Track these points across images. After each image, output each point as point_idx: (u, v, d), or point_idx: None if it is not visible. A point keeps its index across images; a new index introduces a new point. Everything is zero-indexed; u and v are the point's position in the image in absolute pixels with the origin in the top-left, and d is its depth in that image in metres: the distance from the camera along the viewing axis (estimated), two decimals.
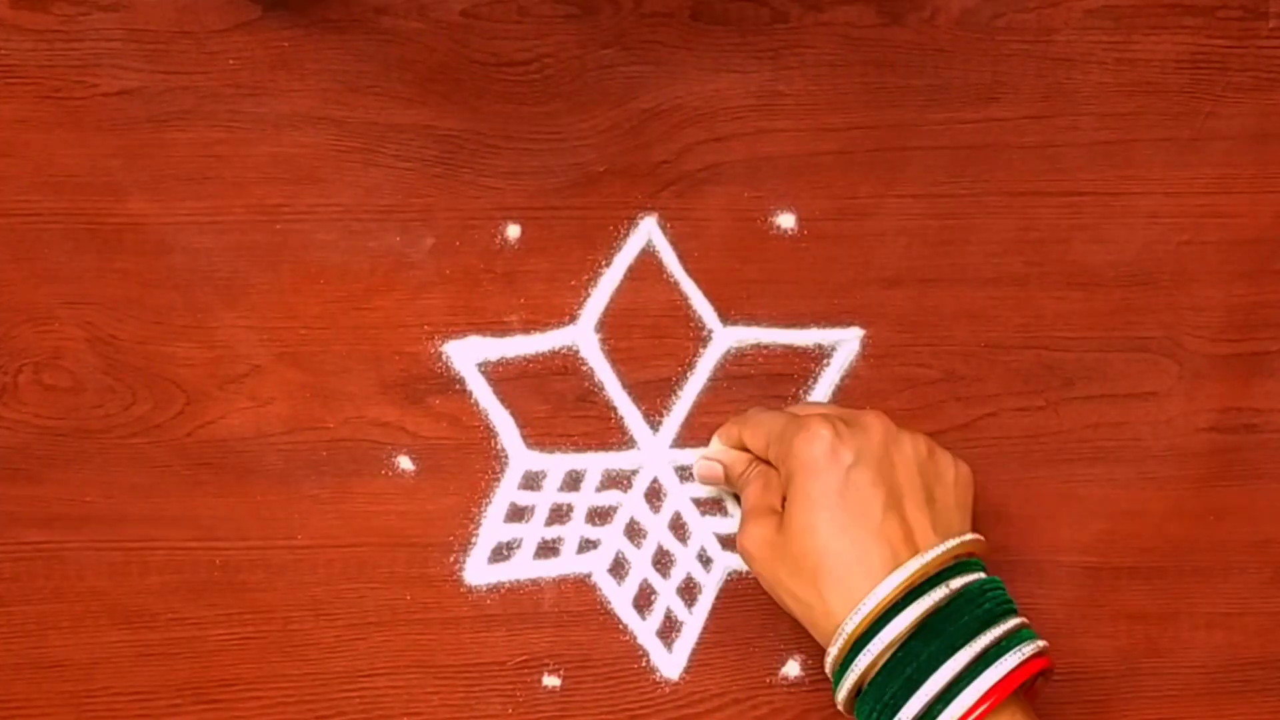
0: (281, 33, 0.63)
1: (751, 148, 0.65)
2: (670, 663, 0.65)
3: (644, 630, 0.65)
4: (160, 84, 0.63)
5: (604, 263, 0.65)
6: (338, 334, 0.64)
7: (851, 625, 0.55)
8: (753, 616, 0.65)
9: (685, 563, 0.65)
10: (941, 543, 0.56)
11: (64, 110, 0.63)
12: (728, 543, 0.66)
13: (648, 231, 0.65)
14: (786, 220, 0.65)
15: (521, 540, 0.65)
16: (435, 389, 0.65)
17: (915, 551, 0.56)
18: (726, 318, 0.65)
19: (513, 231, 0.65)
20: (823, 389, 0.66)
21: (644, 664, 0.65)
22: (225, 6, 0.63)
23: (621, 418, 0.65)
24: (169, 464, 0.64)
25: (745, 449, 0.62)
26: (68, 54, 0.63)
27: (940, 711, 0.54)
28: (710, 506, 0.66)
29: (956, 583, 0.56)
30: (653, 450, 0.65)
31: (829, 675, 0.57)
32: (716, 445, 0.64)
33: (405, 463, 0.64)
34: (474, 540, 0.65)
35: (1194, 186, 0.66)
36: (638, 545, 0.65)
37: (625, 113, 0.64)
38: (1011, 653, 0.55)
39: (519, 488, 0.65)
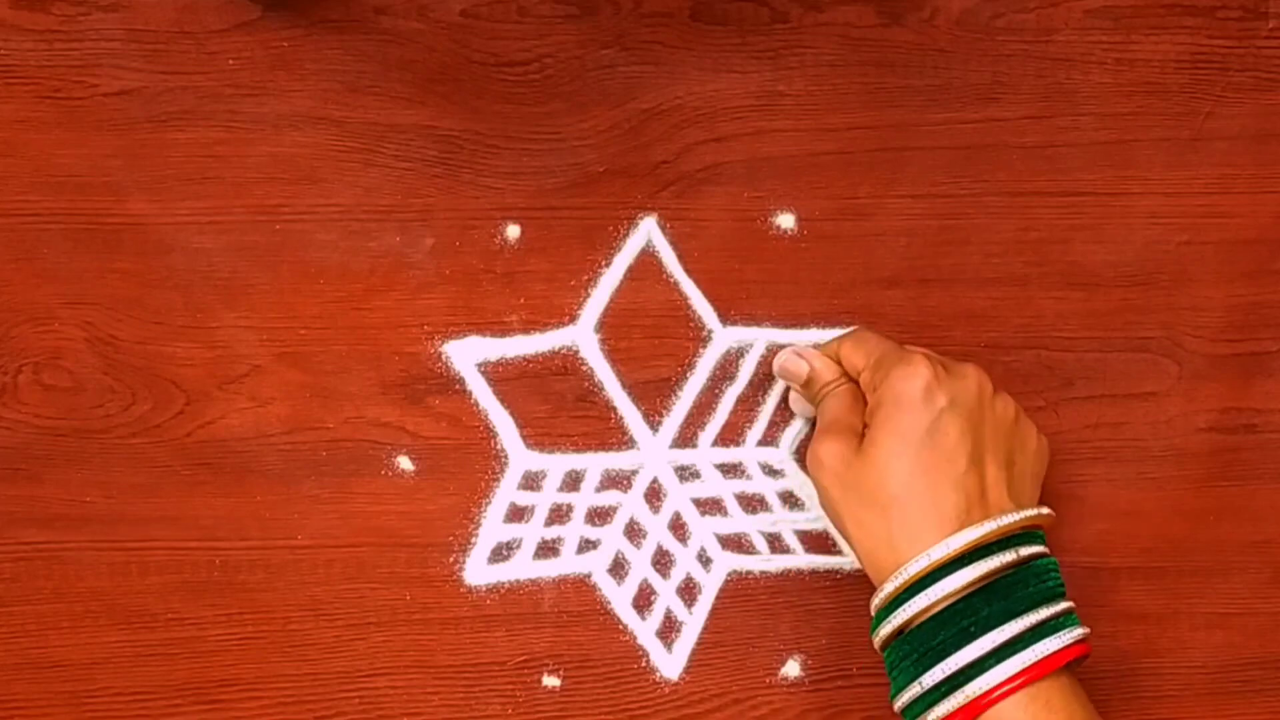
0: (281, 33, 0.63)
1: (751, 148, 0.65)
2: (670, 663, 0.65)
3: (644, 630, 0.65)
4: (160, 84, 0.63)
5: (604, 263, 0.65)
6: (337, 334, 0.64)
7: (916, 567, 0.55)
8: (752, 617, 0.65)
9: (685, 563, 0.65)
10: (1016, 508, 0.57)
11: (64, 110, 0.63)
12: (728, 543, 0.66)
13: (647, 232, 0.65)
14: (786, 220, 0.65)
15: (521, 540, 0.65)
16: (435, 389, 0.65)
17: (987, 509, 0.56)
18: (726, 318, 0.65)
19: (512, 232, 0.65)
20: None
21: (644, 664, 0.65)
22: (225, 7, 0.63)
23: (621, 418, 0.65)
24: (169, 464, 0.64)
25: (839, 364, 0.62)
26: (67, 54, 0.63)
27: (989, 667, 0.54)
28: (710, 507, 0.66)
29: (1025, 551, 0.56)
30: (652, 450, 0.65)
31: (873, 611, 0.57)
32: (810, 349, 0.63)
33: (405, 463, 0.64)
34: (474, 540, 0.65)
35: (1194, 187, 0.66)
36: (637, 545, 0.65)
37: (625, 113, 0.64)
38: (1065, 631, 0.55)
39: (519, 488, 0.65)
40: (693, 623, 0.65)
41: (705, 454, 0.65)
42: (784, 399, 0.66)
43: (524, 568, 0.65)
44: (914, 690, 0.56)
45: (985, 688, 0.54)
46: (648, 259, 0.65)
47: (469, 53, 0.64)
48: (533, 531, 0.65)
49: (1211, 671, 0.67)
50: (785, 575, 0.66)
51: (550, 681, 0.65)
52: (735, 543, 0.66)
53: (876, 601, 0.57)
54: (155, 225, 0.64)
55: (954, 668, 0.55)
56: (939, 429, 0.57)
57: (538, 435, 0.65)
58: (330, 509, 0.64)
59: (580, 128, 0.64)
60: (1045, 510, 0.59)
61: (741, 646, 0.65)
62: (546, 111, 0.64)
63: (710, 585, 0.65)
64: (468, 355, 0.65)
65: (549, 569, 0.65)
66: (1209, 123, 0.66)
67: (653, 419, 0.65)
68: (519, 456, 0.65)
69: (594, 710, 0.65)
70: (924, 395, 0.57)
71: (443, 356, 0.65)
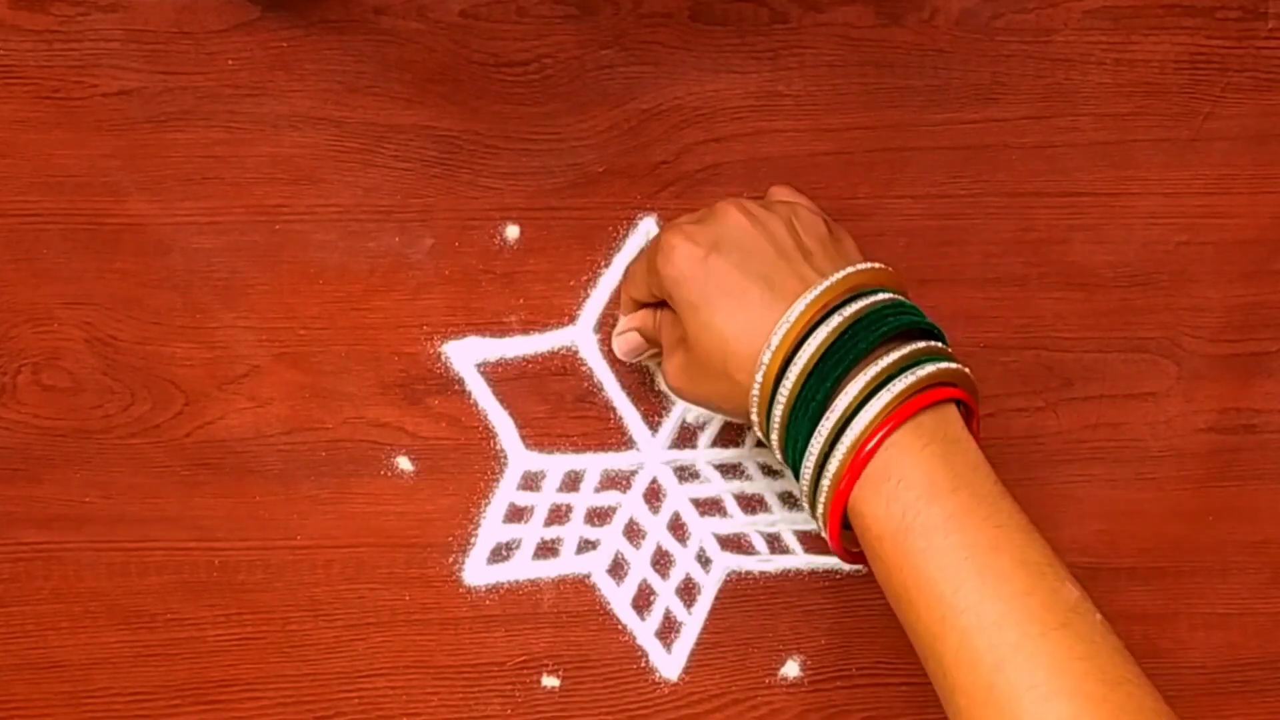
0: (280, 33, 0.63)
1: (751, 148, 0.65)
2: (669, 663, 0.65)
3: (643, 630, 0.65)
4: (159, 84, 0.63)
5: (603, 263, 0.65)
6: (337, 334, 0.64)
7: (757, 383, 0.54)
8: (752, 617, 0.65)
9: (684, 563, 0.65)
10: (848, 264, 0.55)
11: (63, 111, 0.63)
12: (727, 543, 0.66)
13: (647, 232, 0.65)
14: None
15: (520, 541, 0.65)
16: (434, 389, 0.65)
17: (804, 281, 0.54)
18: None
19: (512, 232, 0.65)
20: None
21: (643, 664, 0.65)
22: (224, 7, 0.63)
23: (620, 418, 0.65)
24: (168, 464, 0.64)
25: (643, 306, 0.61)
26: (67, 54, 0.63)
27: (837, 441, 0.52)
28: (710, 507, 0.66)
29: (851, 309, 0.53)
30: (652, 451, 0.65)
31: (766, 442, 0.56)
32: (622, 320, 0.63)
33: (404, 463, 0.64)
34: (473, 541, 0.65)
35: (1193, 187, 0.66)
36: (637, 546, 0.65)
37: (624, 113, 0.64)
38: (901, 376, 0.52)
39: (518, 488, 0.65)
40: (692, 623, 0.65)
41: (704, 454, 0.65)
42: None
43: (523, 568, 0.65)
44: (808, 464, 0.53)
45: (862, 429, 0.51)
46: None
47: (468, 53, 0.64)
48: (532, 532, 0.65)
49: (1211, 672, 0.67)
50: (784, 575, 0.66)
51: (549, 682, 0.65)
52: (734, 543, 0.66)
53: (755, 435, 0.55)
54: (154, 225, 0.64)
55: (834, 417, 0.52)
56: (712, 272, 0.55)
57: (537, 435, 0.65)
58: (330, 509, 0.64)
59: (580, 128, 0.64)
60: (867, 265, 0.55)
61: (741, 647, 0.65)
62: (546, 112, 0.64)
63: (709, 585, 0.65)
64: (467, 355, 0.65)
65: (548, 569, 0.65)
66: (1208, 123, 0.66)
67: (652, 419, 0.65)
68: (518, 457, 0.65)
69: (593, 710, 0.65)
70: (686, 258, 0.55)
71: (442, 357, 0.65)
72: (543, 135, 0.64)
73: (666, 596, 0.65)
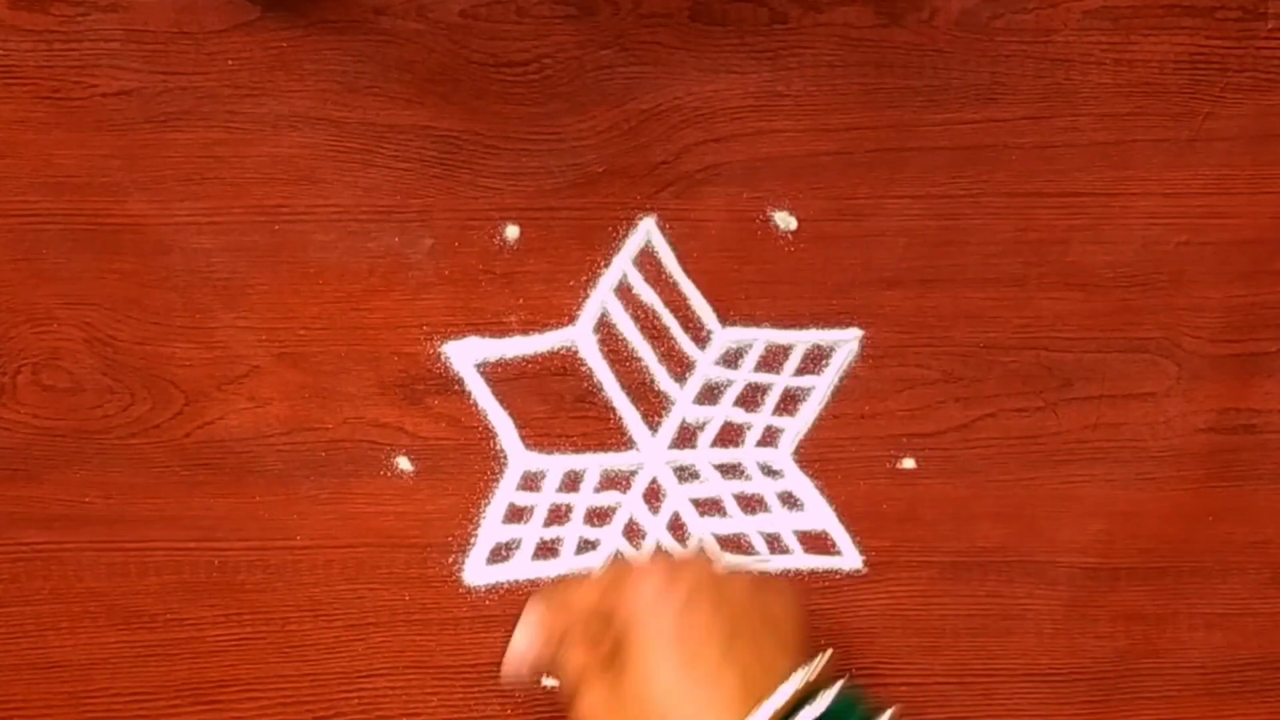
0: (280, 33, 0.63)
1: (750, 148, 0.65)
2: None
3: None
4: (159, 84, 0.63)
5: (603, 263, 0.65)
6: (336, 334, 0.64)
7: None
8: None
9: None
10: (785, 680, 0.53)
11: (63, 111, 0.63)
12: (727, 543, 0.66)
13: (646, 232, 0.65)
14: (785, 221, 0.65)
15: (520, 541, 0.65)
16: (434, 390, 0.65)
17: (753, 691, 0.52)
18: (725, 318, 0.65)
19: (511, 232, 0.65)
20: (821, 390, 0.66)
21: None
22: (224, 7, 0.63)
23: (620, 418, 0.65)
24: (168, 465, 0.64)
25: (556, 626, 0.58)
26: (66, 54, 0.63)
27: None
28: (709, 508, 0.66)
29: (810, 715, 0.52)
30: (651, 451, 0.65)
31: None
32: (519, 635, 0.58)
33: (404, 463, 0.64)
34: (473, 541, 0.65)
35: (1192, 187, 0.66)
36: (636, 546, 0.65)
37: (624, 113, 0.64)
38: None
39: (518, 488, 0.65)
40: None
41: (704, 454, 0.65)
42: (782, 399, 0.66)
43: (523, 568, 0.65)
44: None
45: None
46: (647, 259, 0.65)
47: (468, 53, 0.64)
48: (532, 532, 0.65)
49: (1210, 672, 0.67)
50: (784, 576, 0.66)
51: (549, 682, 0.65)
52: (734, 543, 0.66)
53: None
54: (154, 226, 0.64)
55: None
56: (685, 624, 0.53)
57: (537, 436, 0.65)
58: (329, 509, 0.64)
59: (579, 128, 0.64)
60: (813, 663, 0.54)
61: None
62: (545, 112, 0.64)
63: None
64: (467, 356, 0.65)
65: (548, 569, 0.65)
66: (1208, 123, 0.66)
67: (652, 419, 0.65)
68: (518, 457, 0.65)
69: None
70: (662, 594, 0.54)
71: (442, 357, 0.65)
72: (542, 135, 0.64)
73: None
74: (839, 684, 0.54)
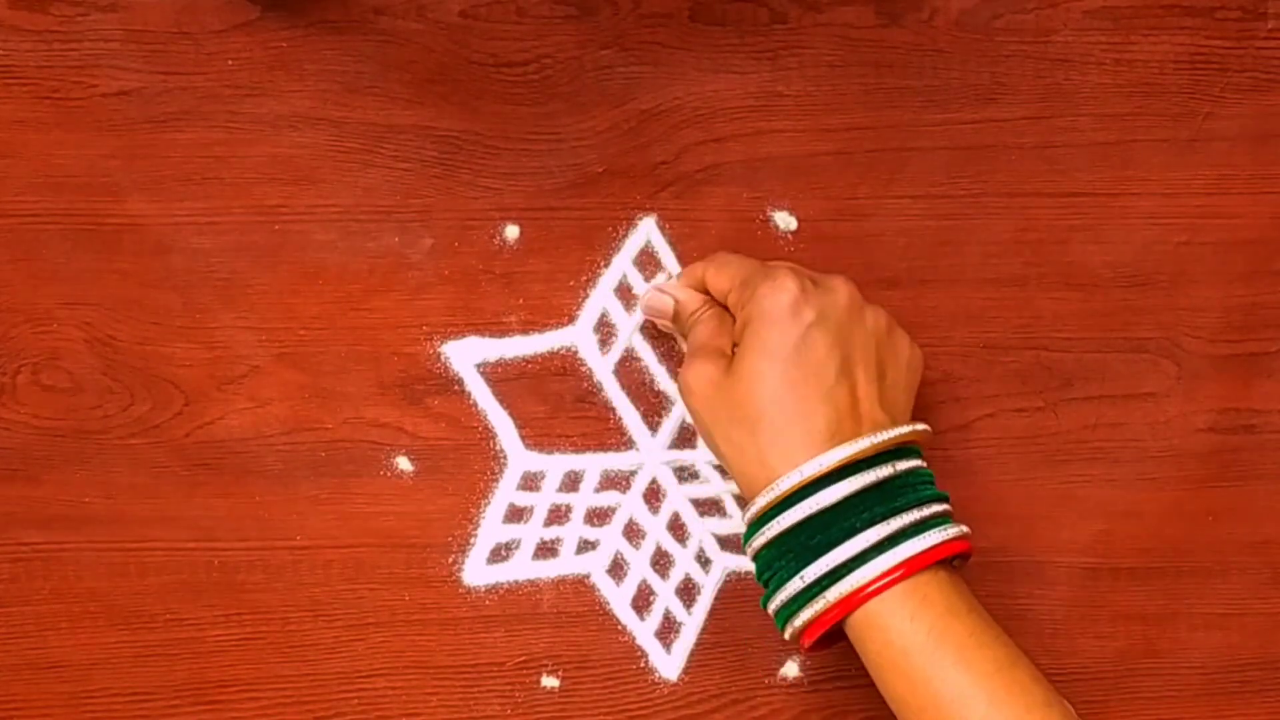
0: (280, 33, 0.63)
1: (750, 148, 0.65)
2: (669, 663, 0.65)
3: (643, 631, 0.65)
4: (159, 84, 0.63)
5: (603, 263, 0.65)
6: (336, 335, 0.64)
7: (787, 483, 0.55)
8: (751, 617, 0.65)
9: (684, 563, 0.65)
10: (890, 423, 0.57)
11: (62, 111, 0.63)
12: (727, 543, 0.66)
13: (646, 232, 0.65)
14: (785, 221, 0.65)
15: (520, 541, 0.65)
16: (434, 390, 0.65)
17: (859, 423, 0.56)
18: None
19: (511, 232, 0.65)
20: None
21: (643, 665, 0.65)
22: (224, 7, 0.63)
23: (620, 418, 0.65)
24: (168, 465, 0.64)
25: (705, 291, 0.62)
26: (66, 54, 0.63)
27: (869, 560, 0.54)
28: (709, 508, 0.66)
29: (901, 465, 0.56)
30: (651, 451, 0.65)
31: (746, 522, 0.57)
32: (673, 282, 0.63)
33: (404, 463, 0.64)
34: (473, 541, 0.65)
35: (1192, 187, 0.66)
36: (636, 546, 0.65)
37: (624, 113, 0.64)
38: (941, 528, 0.56)
39: (518, 488, 0.65)
40: (691, 623, 0.65)
41: (704, 454, 0.65)
42: None
43: (523, 568, 0.65)
44: (794, 586, 0.55)
45: (863, 580, 0.54)
46: (647, 259, 0.65)
47: (468, 53, 0.64)
48: (531, 532, 0.65)
49: (1210, 672, 0.67)
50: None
51: (549, 682, 0.65)
52: (734, 543, 0.66)
53: (749, 515, 0.57)
54: (154, 226, 0.64)
55: (835, 562, 0.54)
56: (807, 343, 0.56)
57: (536, 436, 0.65)
58: (329, 509, 0.64)
59: (579, 128, 0.64)
60: (921, 426, 0.58)
61: (740, 647, 0.65)
62: (545, 112, 0.64)
63: (709, 585, 0.65)
64: (466, 356, 0.65)
65: (548, 569, 0.65)
66: (1207, 123, 0.66)
67: (651, 419, 0.65)
68: (518, 457, 0.65)
69: (593, 711, 0.65)
70: (791, 309, 0.56)
71: (441, 357, 0.65)
72: (542, 135, 0.64)
73: (666, 597, 0.65)
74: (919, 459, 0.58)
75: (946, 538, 0.56)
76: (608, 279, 0.65)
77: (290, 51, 0.63)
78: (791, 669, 0.65)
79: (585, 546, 0.65)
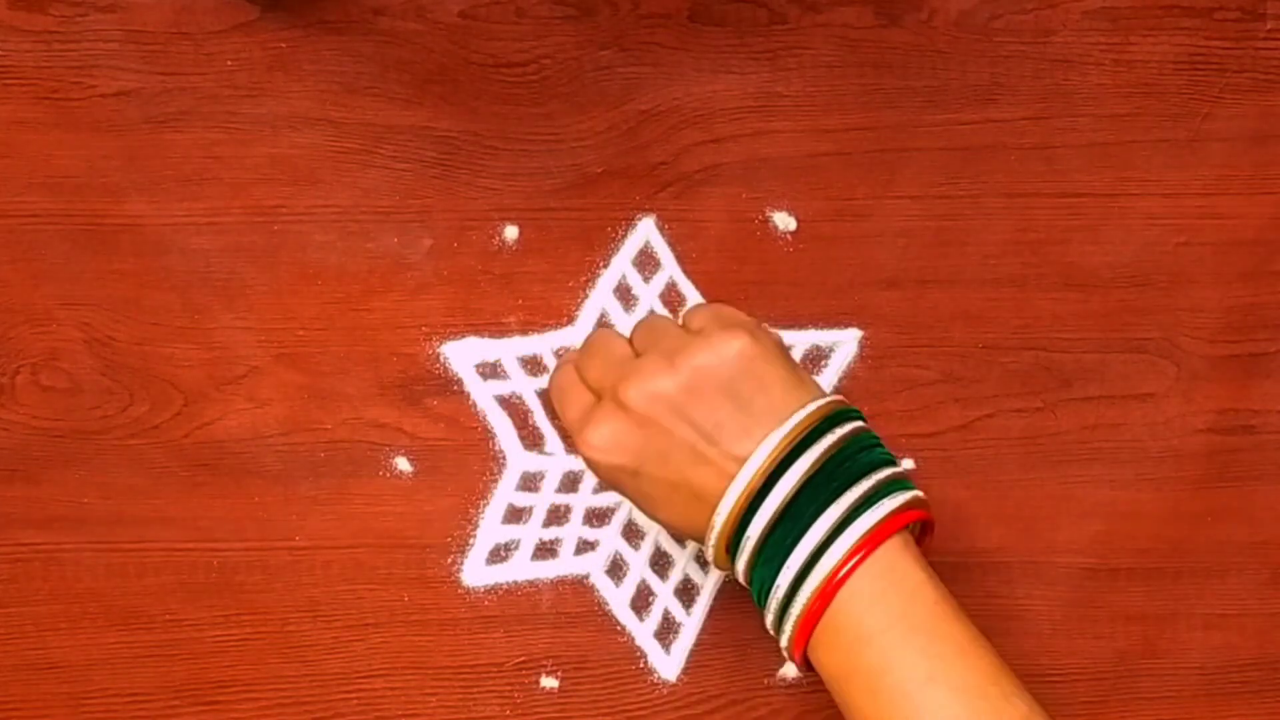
0: (279, 34, 0.63)
1: (749, 149, 0.65)
2: (668, 664, 0.65)
3: (642, 631, 0.65)
4: (158, 85, 0.63)
5: (602, 264, 0.65)
6: (335, 335, 0.64)
7: (715, 536, 0.55)
8: (751, 617, 0.65)
9: (683, 564, 0.65)
10: (812, 398, 0.55)
11: (61, 111, 0.63)
12: None
13: (646, 232, 0.65)
14: (784, 221, 0.65)
15: (519, 541, 0.65)
16: (433, 390, 0.65)
17: (781, 413, 0.54)
18: None
19: (511, 232, 0.65)
20: None
21: (642, 665, 0.65)
22: (223, 8, 0.63)
23: None
24: (167, 465, 0.64)
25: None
26: (65, 55, 0.63)
27: (830, 545, 0.53)
28: None
29: (841, 430, 0.54)
30: None
31: (714, 545, 0.55)
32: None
33: (403, 464, 0.64)
34: (472, 541, 0.65)
35: (1191, 188, 0.66)
36: (635, 546, 0.65)
37: (623, 114, 0.64)
38: (894, 495, 0.54)
39: (517, 489, 0.65)
40: (691, 624, 0.65)
41: None
42: None
43: (522, 569, 0.65)
44: (775, 597, 0.55)
45: (830, 567, 0.53)
46: (646, 259, 0.65)
47: (467, 54, 0.64)
48: (531, 532, 0.65)
49: (1209, 672, 0.67)
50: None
51: (548, 683, 0.65)
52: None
53: (711, 549, 0.55)
54: (153, 226, 0.64)
55: (801, 558, 0.54)
56: (642, 478, 0.56)
57: (536, 436, 0.65)
58: (328, 510, 0.64)
59: (578, 129, 0.64)
60: (826, 400, 0.55)
61: (740, 647, 0.65)
62: (544, 112, 0.64)
63: (708, 586, 0.65)
64: (466, 356, 0.65)
65: (547, 570, 0.65)
66: (1207, 124, 0.66)
67: None
68: (517, 458, 0.65)
69: (592, 711, 0.65)
70: (616, 455, 0.56)
71: (441, 357, 0.65)
72: (541, 136, 0.64)
73: (665, 597, 0.65)
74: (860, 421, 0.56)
75: (897, 505, 0.54)
76: (607, 279, 0.65)
77: (289, 52, 0.63)
78: (791, 669, 0.65)
79: (584, 547, 0.65)
